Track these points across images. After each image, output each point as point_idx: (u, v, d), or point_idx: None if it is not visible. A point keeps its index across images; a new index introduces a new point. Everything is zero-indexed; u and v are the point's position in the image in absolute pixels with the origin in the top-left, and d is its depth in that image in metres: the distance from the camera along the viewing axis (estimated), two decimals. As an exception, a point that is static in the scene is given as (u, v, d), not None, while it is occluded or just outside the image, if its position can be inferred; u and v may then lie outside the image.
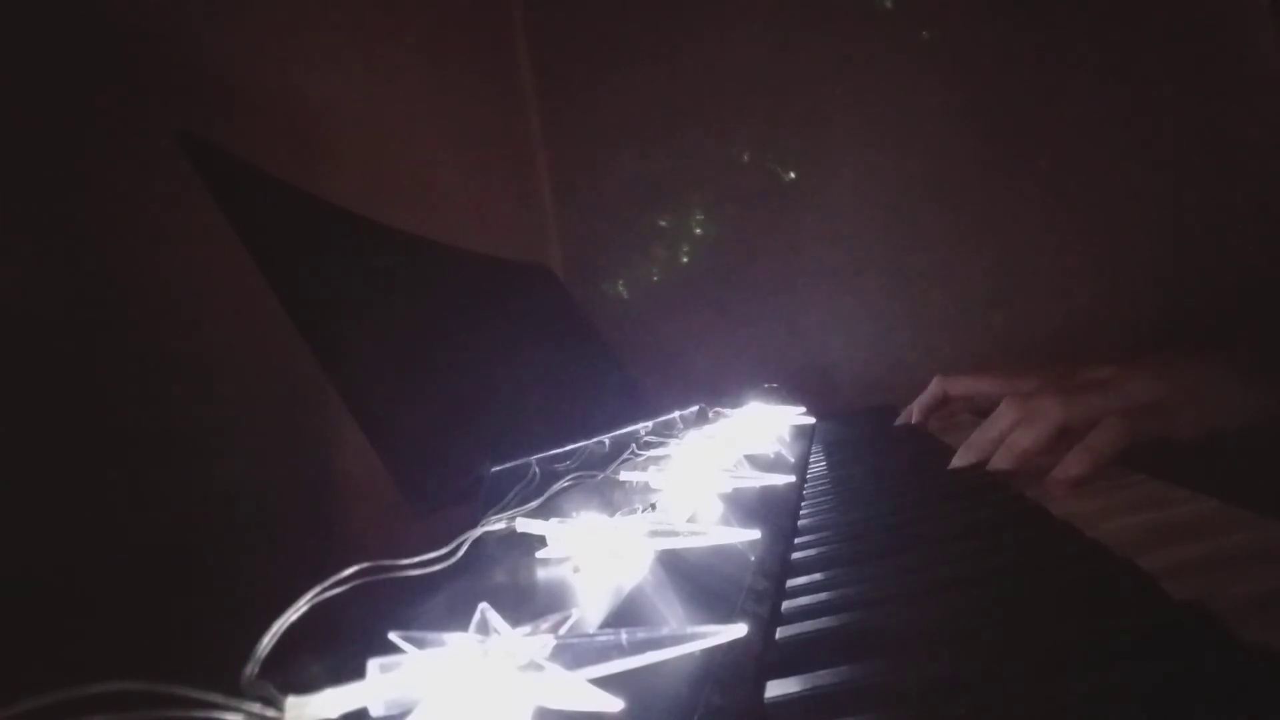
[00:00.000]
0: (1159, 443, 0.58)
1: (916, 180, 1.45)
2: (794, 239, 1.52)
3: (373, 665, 0.19)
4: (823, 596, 0.38)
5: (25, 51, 0.56)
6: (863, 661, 0.29)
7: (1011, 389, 0.83)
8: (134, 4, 0.67)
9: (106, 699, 0.15)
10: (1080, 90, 1.36)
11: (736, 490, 0.49)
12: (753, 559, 0.40)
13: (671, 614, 0.30)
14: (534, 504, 0.38)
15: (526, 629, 0.22)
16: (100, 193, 0.60)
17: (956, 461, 0.65)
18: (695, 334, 1.54)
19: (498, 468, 0.46)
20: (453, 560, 0.29)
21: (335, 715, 0.18)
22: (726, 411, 0.92)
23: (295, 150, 0.84)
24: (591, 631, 0.23)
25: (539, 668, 0.20)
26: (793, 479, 0.67)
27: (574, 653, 0.21)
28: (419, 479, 0.45)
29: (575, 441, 0.56)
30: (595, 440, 0.58)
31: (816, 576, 0.42)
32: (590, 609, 0.28)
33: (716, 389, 1.13)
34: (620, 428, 0.67)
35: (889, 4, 1.46)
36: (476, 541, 0.32)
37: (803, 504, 0.63)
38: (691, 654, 0.23)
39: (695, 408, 0.92)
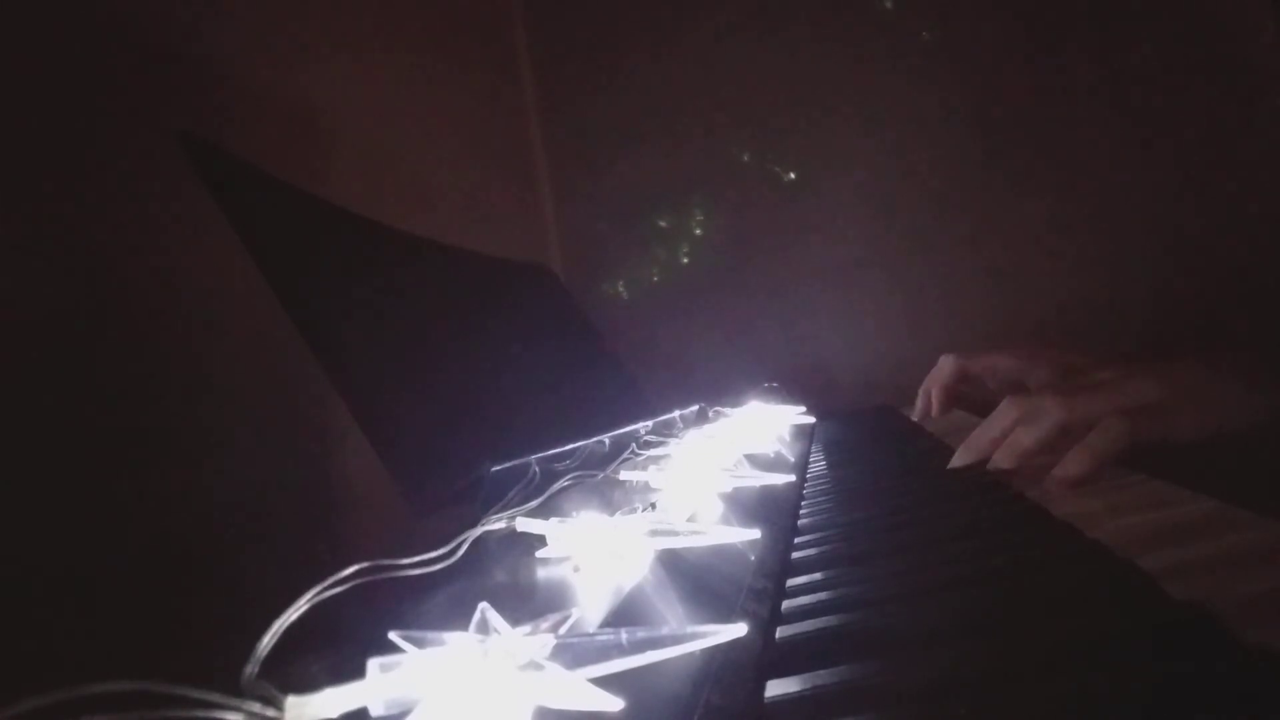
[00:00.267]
0: (1159, 444, 0.58)
1: (916, 180, 1.45)
2: (794, 239, 1.52)
3: (373, 665, 0.19)
4: (823, 596, 0.38)
5: (25, 51, 0.56)
6: (863, 661, 0.29)
7: (1030, 369, 0.83)
8: (134, 4, 0.67)
9: (106, 699, 0.15)
10: (1079, 90, 1.36)
11: (736, 490, 0.49)
12: (753, 559, 0.40)
13: (671, 614, 0.30)
14: (534, 504, 0.38)
15: (526, 629, 0.22)
16: (100, 193, 0.60)
17: (956, 461, 0.65)
18: (695, 334, 1.54)
19: (498, 468, 0.46)
20: (453, 560, 0.29)
21: (335, 715, 0.18)
22: (726, 411, 0.92)
23: (295, 150, 0.84)
24: (591, 631, 0.23)
25: (539, 667, 0.20)
26: (793, 479, 0.67)
27: (574, 652, 0.21)
28: (419, 479, 0.45)
29: (575, 441, 0.56)
30: (595, 440, 0.58)
31: (816, 576, 0.42)
32: (590, 609, 0.28)
33: (716, 389, 1.13)
34: (620, 427, 0.67)
35: (889, 4, 1.46)
36: (476, 541, 0.32)
37: (803, 504, 0.63)
38: (691, 654, 0.23)
39: (695, 407, 0.92)
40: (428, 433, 0.51)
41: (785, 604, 0.38)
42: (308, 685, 0.18)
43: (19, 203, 0.54)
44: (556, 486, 0.42)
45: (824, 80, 1.49)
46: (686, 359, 1.52)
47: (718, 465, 0.52)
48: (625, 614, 0.28)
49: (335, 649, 0.21)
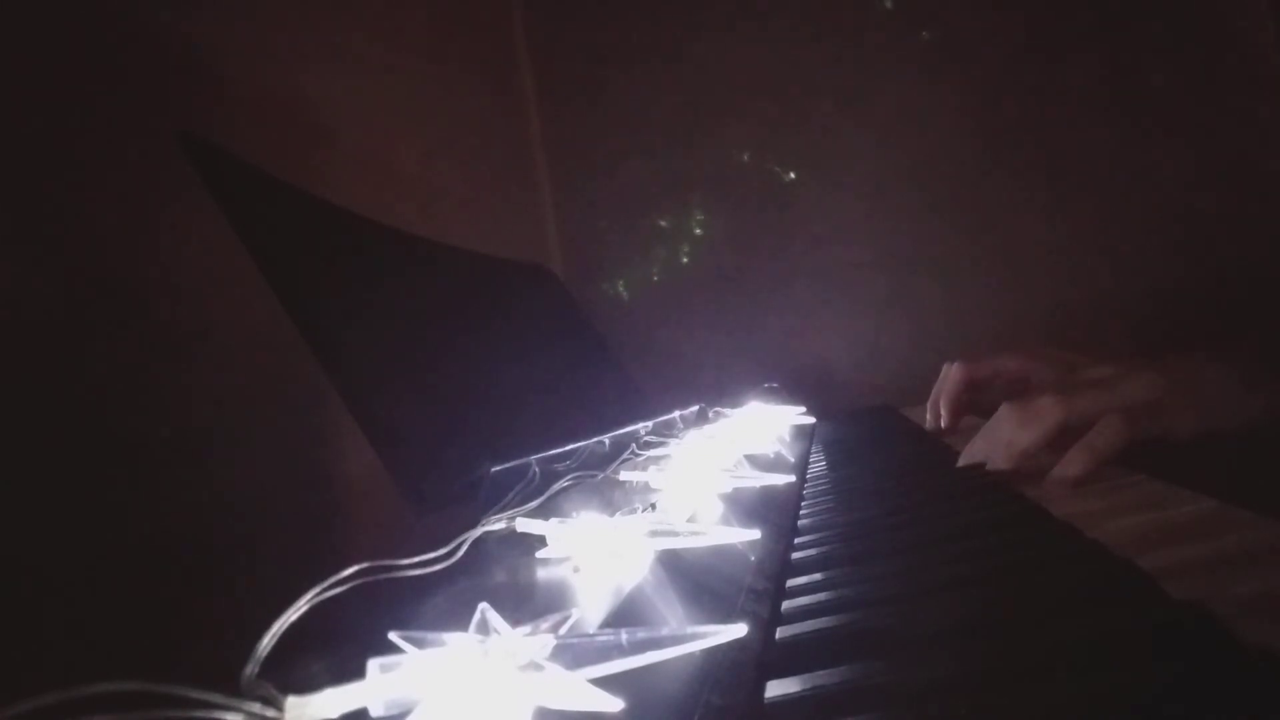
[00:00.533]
0: (1158, 442, 0.58)
1: (916, 180, 1.45)
2: (794, 239, 1.52)
3: (373, 665, 0.19)
4: (823, 596, 0.38)
5: (25, 51, 0.56)
6: (863, 661, 0.29)
7: (1036, 370, 0.83)
8: (134, 4, 0.67)
9: (106, 699, 0.15)
10: (1080, 90, 1.36)
11: (736, 490, 0.49)
12: (753, 559, 0.40)
13: (671, 614, 0.30)
14: (534, 504, 0.38)
15: (526, 629, 0.22)
16: (100, 193, 0.60)
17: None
18: (695, 334, 1.54)
19: (498, 468, 0.46)
20: (453, 560, 0.29)
21: (335, 715, 0.18)
22: (726, 411, 0.92)
23: (295, 150, 0.84)
24: (591, 631, 0.23)
25: (539, 668, 0.20)
26: (793, 479, 0.67)
27: (574, 653, 0.21)
28: (419, 479, 0.45)
29: (575, 441, 0.56)
30: (595, 440, 0.58)
31: (816, 576, 0.42)
32: (590, 609, 0.28)
33: (716, 389, 1.13)
34: (620, 428, 0.67)
35: (889, 4, 1.46)
36: (476, 541, 0.32)
37: (803, 504, 0.63)
38: (691, 654, 0.23)
39: (695, 408, 0.92)
40: (427, 433, 0.51)
41: (785, 604, 0.38)
42: (308, 685, 0.18)
43: (19, 203, 0.54)
44: (556, 487, 0.42)
45: (824, 80, 1.49)
46: (686, 359, 1.51)
47: (718, 466, 0.52)
48: (625, 614, 0.28)
49: (335, 649, 0.21)
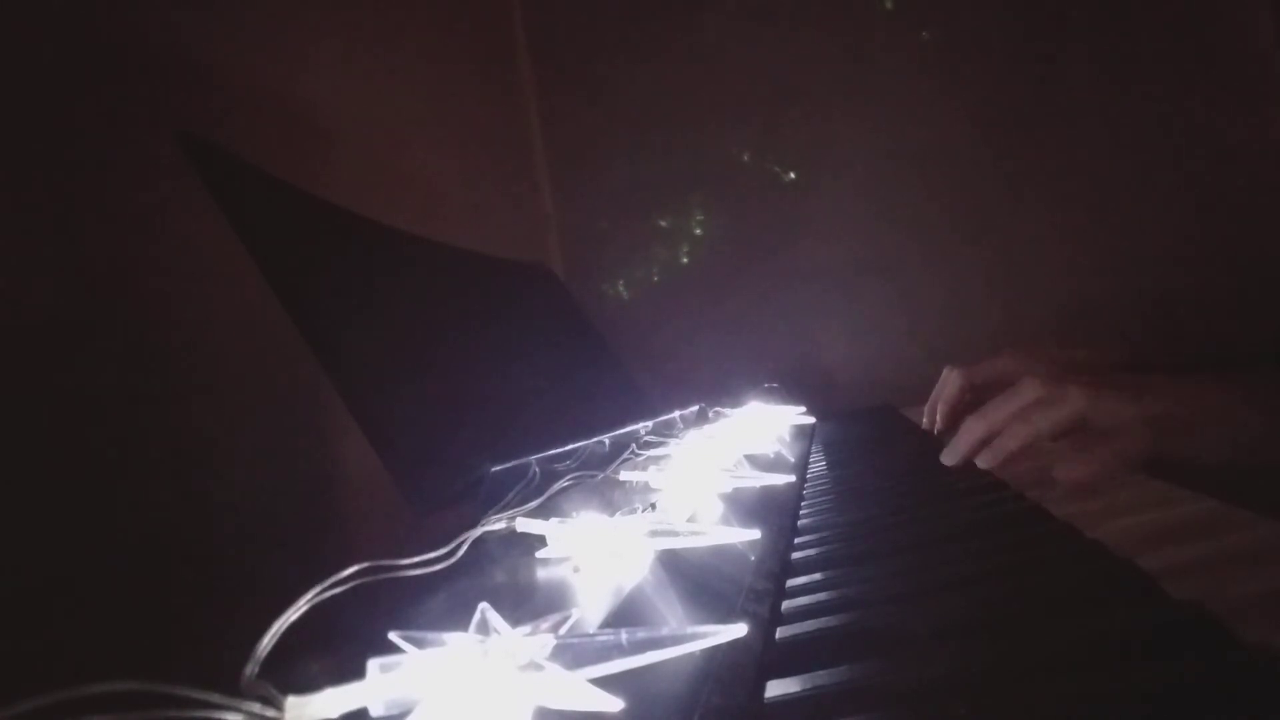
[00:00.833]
0: (1181, 461, 0.55)
1: (916, 180, 1.46)
2: (794, 239, 1.52)
3: (373, 665, 0.19)
4: (822, 596, 0.38)
5: (25, 51, 0.56)
6: (863, 661, 0.29)
7: (1036, 371, 0.82)
8: (134, 4, 0.67)
9: (106, 699, 0.15)
10: (1080, 89, 1.36)
11: (736, 490, 0.49)
12: (753, 559, 0.40)
13: (671, 614, 0.30)
14: (534, 504, 0.38)
15: (526, 629, 0.22)
16: (100, 193, 0.60)
17: (965, 434, 0.62)
18: (695, 334, 1.54)
19: (498, 468, 0.46)
20: (453, 560, 0.29)
21: (335, 715, 0.18)
22: (726, 411, 0.92)
23: (295, 150, 0.84)
24: (591, 631, 0.23)
25: (539, 668, 0.20)
26: (793, 479, 0.67)
27: (574, 653, 0.21)
28: (419, 479, 0.45)
29: (575, 441, 0.56)
30: (595, 440, 0.58)
31: (816, 576, 0.42)
32: (590, 609, 0.28)
33: (716, 389, 1.13)
34: (620, 428, 0.67)
35: (889, 4, 1.46)
36: (476, 541, 0.32)
37: (803, 504, 0.63)
38: (691, 654, 0.23)
39: (695, 408, 0.92)
40: (428, 433, 0.51)
41: (785, 604, 0.38)
42: (308, 685, 0.18)
43: (18, 203, 0.54)
44: (556, 487, 0.42)
45: (824, 80, 1.49)
46: (686, 359, 1.51)
47: (718, 466, 0.52)
48: (625, 614, 0.28)
49: (335, 649, 0.21)
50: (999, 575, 0.36)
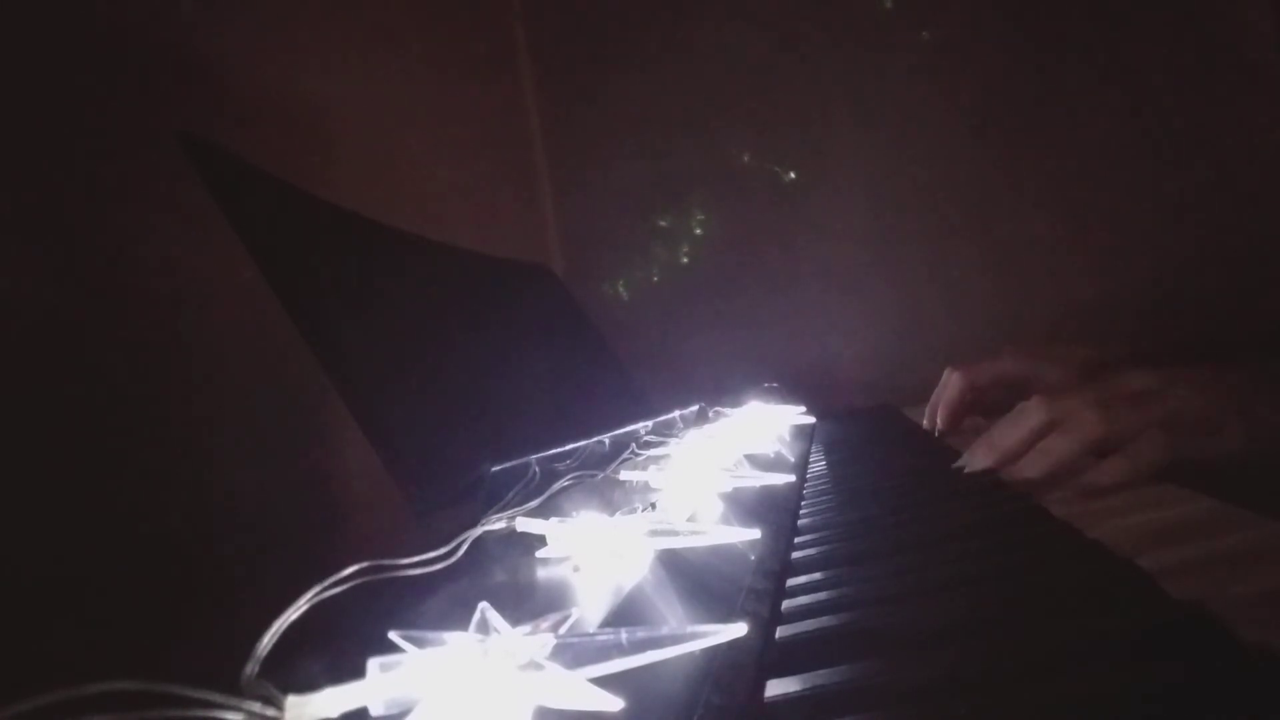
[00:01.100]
0: (1201, 461, 0.54)
1: (916, 179, 1.45)
2: (794, 239, 1.52)
3: (373, 665, 0.19)
4: (822, 596, 0.38)
5: (25, 51, 0.56)
6: (863, 661, 0.29)
7: (1038, 370, 0.80)
8: (134, 3, 0.67)
9: (106, 699, 0.15)
10: (1080, 89, 1.36)
11: (736, 490, 0.49)
12: (753, 558, 0.40)
13: (671, 613, 0.30)
14: (534, 504, 0.38)
15: (526, 628, 0.22)
16: (100, 193, 0.60)
17: (974, 461, 0.60)
18: (695, 334, 1.54)
19: (498, 467, 0.46)
20: (453, 560, 0.29)
21: (335, 715, 0.18)
22: (726, 411, 0.92)
23: (295, 150, 0.84)
24: (591, 631, 0.23)
25: (539, 667, 0.20)
26: (793, 478, 0.67)
27: (574, 652, 0.21)
28: (419, 479, 0.45)
29: (575, 441, 0.56)
30: (595, 440, 0.58)
31: (816, 576, 0.42)
32: (590, 609, 0.28)
33: (716, 389, 1.13)
34: (620, 427, 0.67)
35: (889, 4, 1.46)
36: (476, 541, 0.32)
37: (803, 503, 0.63)
38: (691, 653, 0.23)
39: (695, 408, 0.91)
40: (428, 433, 0.51)
41: (785, 604, 0.38)
42: (308, 685, 0.18)
43: (18, 203, 0.54)
44: (556, 486, 0.42)
45: (824, 80, 1.49)
46: (686, 359, 1.51)
47: (718, 465, 0.52)
48: (625, 614, 0.28)
49: (335, 649, 0.21)
50: (999, 575, 0.36)
